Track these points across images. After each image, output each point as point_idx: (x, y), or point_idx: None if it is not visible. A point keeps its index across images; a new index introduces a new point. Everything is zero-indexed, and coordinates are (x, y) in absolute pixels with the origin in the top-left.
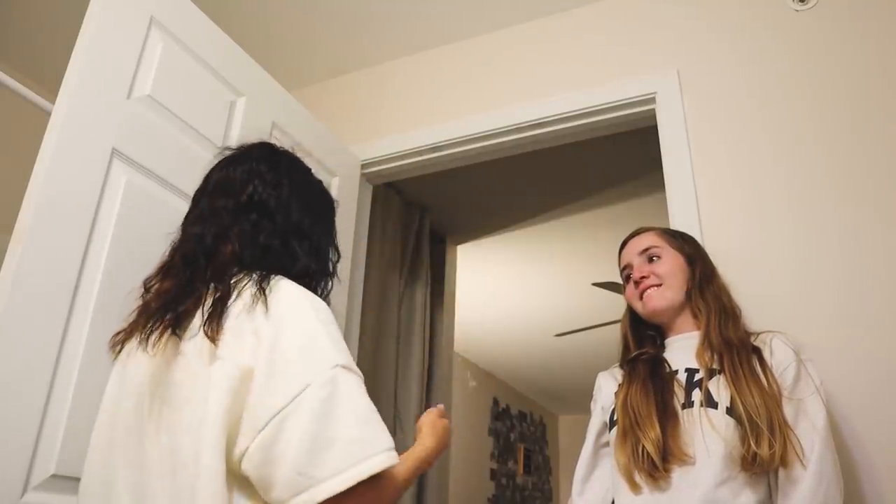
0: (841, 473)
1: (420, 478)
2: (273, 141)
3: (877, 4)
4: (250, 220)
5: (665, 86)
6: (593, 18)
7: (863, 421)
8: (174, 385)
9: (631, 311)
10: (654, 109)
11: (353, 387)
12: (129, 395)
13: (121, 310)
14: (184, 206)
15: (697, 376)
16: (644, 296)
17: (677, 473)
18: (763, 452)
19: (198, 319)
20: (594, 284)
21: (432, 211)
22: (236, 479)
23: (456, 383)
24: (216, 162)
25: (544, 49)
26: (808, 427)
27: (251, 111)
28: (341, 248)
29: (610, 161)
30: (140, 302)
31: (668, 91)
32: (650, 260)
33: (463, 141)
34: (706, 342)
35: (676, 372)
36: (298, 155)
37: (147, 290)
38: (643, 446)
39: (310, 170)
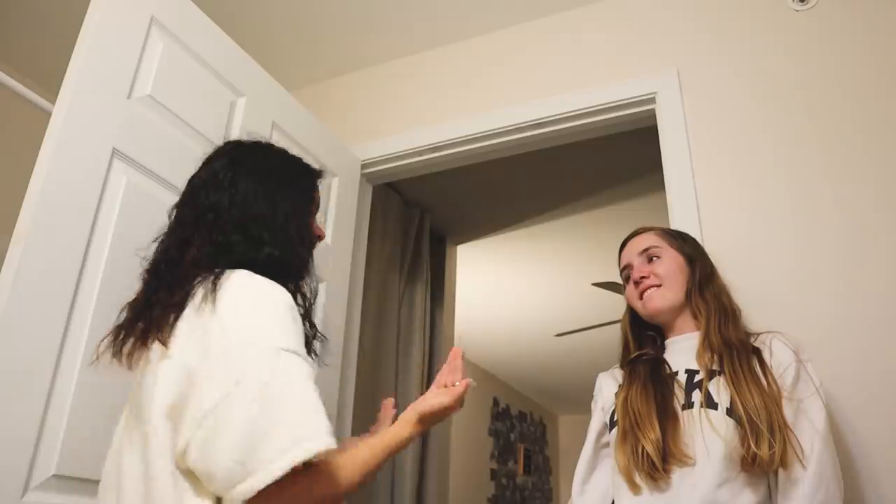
0: (841, 474)
1: (420, 478)
2: (273, 141)
3: (876, 4)
4: (207, 223)
5: (665, 86)
6: (593, 18)
7: (863, 421)
8: (143, 389)
9: (631, 312)
10: (654, 109)
11: (295, 372)
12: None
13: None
14: None
15: (697, 377)
16: (644, 296)
17: (677, 474)
18: (763, 453)
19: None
20: (594, 284)
21: (432, 211)
22: (184, 474)
23: None
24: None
25: (544, 49)
26: (808, 428)
27: (251, 111)
28: (341, 248)
29: (610, 161)
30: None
31: (668, 91)
32: (650, 260)
33: (463, 141)
34: (706, 343)
35: (676, 373)
36: (298, 154)
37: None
38: (643, 447)
39: (282, 151)
